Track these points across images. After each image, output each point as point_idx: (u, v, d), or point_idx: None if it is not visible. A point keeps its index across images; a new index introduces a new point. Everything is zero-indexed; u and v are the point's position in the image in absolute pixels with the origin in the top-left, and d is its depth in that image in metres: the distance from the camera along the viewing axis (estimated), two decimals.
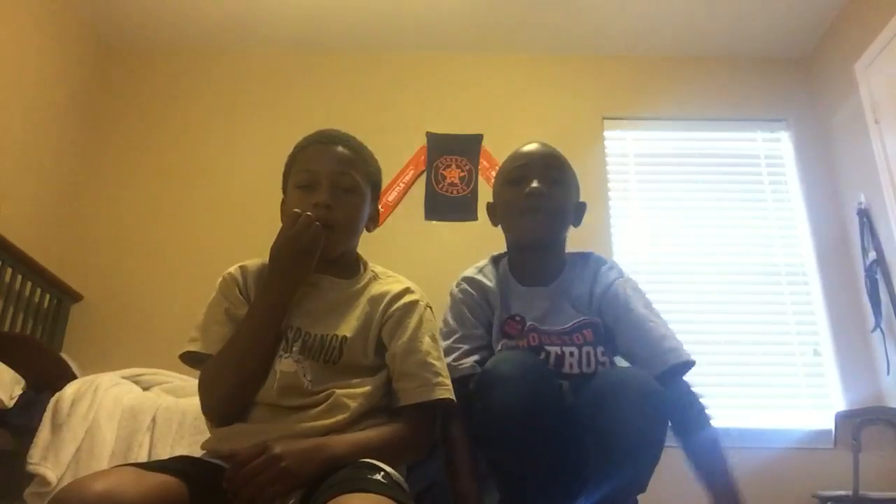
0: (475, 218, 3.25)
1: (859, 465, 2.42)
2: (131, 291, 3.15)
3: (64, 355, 2.53)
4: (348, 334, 1.18)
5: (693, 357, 1.26)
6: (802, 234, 3.27)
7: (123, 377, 2.22)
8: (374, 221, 1.34)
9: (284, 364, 1.15)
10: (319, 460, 0.98)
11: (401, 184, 3.34)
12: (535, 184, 1.37)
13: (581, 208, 1.48)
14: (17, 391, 2.02)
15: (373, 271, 1.31)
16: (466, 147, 3.41)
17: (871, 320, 2.89)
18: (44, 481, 1.86)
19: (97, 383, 2.07)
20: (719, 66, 3.57)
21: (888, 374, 2.81)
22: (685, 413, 1.21)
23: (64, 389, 2.04)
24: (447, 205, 3.33)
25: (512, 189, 1.42)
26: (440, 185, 3.37)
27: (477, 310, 1.39)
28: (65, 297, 3.06)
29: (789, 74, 3.54)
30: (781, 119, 3.48)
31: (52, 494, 0.85)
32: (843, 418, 2.60)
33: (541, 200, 1.37)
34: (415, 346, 1.17)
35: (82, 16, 3.38)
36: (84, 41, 3.44)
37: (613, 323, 1.35)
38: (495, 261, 1.50)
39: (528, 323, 1.36)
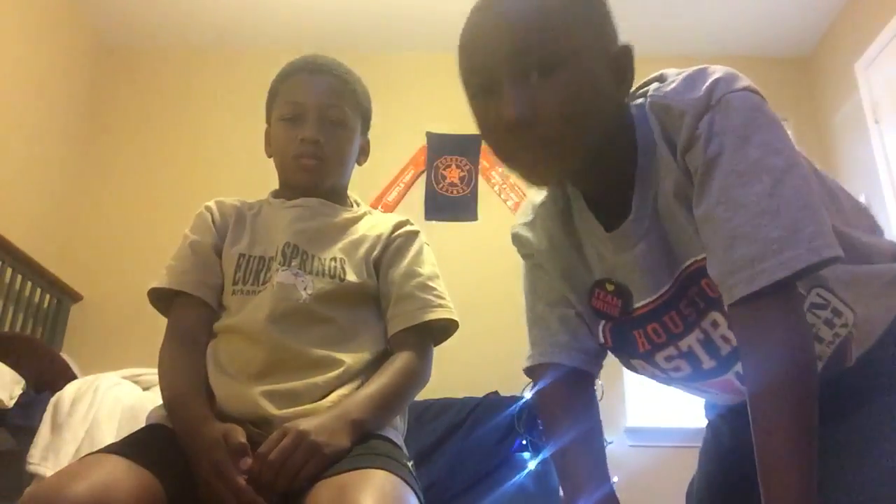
0: (475, 218, 3.24)
1: None
2: (131, 291, 3.12)
3: (64, 355, 2.53)
4: (346, 257, 1.11)
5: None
6: None
7: (123, 377, 2.22)
8: (364, 154, 1.28)
9: (282, 275, 1.07)
10: (346, 429, 0.91)
11: (401, 184, 3.34)
12: (507, 106, 0.77)
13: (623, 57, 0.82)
14: (17, 391, 2.02)
15: (367, 208, 1.25)
16: (466, 147, 3.41)
17: None
18: None
19: (97, 383, 2.07)
20: (720, 65, 3.56)
21: None
22: None
23: (64, 389, 2.04)
24: (447, 205, 3.32)
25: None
26: (440, 185, 3.36)
27: (540, 283, 0.95)
28: (65, 297, 3.06)
29: (790, 74, 3.54)
30: (782, 118, 3.45)
31: (27, 494, 0.78)
32: None
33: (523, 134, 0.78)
34: (415, 270, 1.11)
35: (82, 16, 3.38)
36: (84, 41, 3.44)
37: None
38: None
39: (629, 296, 0.84)
